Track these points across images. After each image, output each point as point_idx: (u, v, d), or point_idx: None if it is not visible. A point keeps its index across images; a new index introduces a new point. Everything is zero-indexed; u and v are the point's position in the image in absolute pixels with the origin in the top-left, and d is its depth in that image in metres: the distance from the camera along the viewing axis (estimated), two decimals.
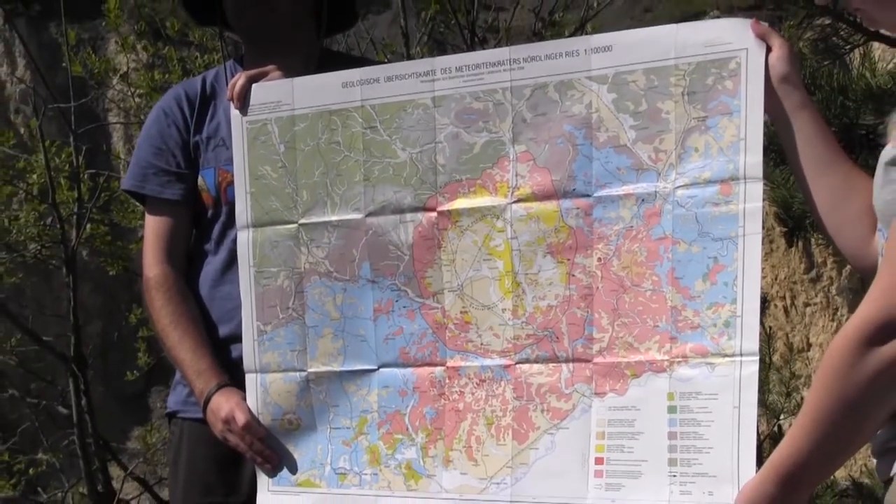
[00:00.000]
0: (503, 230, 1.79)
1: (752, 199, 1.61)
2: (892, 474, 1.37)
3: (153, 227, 2.16)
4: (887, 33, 2.25)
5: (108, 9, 6.03)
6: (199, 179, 2.15)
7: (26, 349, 5.88)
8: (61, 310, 6.41)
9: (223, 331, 2.10)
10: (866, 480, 2.95)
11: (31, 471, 6.32)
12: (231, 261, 2.08)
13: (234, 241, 2.04)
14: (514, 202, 1.78)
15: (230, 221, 2.07)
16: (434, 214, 1.83)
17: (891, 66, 2.37)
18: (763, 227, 1.63)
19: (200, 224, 2.16)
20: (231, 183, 2.04)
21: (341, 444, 1.90)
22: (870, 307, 1.32)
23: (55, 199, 5.53)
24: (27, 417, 6.37)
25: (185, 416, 2.16)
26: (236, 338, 2.02)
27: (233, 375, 2.01)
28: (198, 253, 2.17)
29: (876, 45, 2.36)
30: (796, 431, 1.39)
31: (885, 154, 1.42)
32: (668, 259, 1.66)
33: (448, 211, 1.82)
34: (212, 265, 2.14)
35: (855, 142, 2.17)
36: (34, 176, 5.67)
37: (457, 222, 1.82)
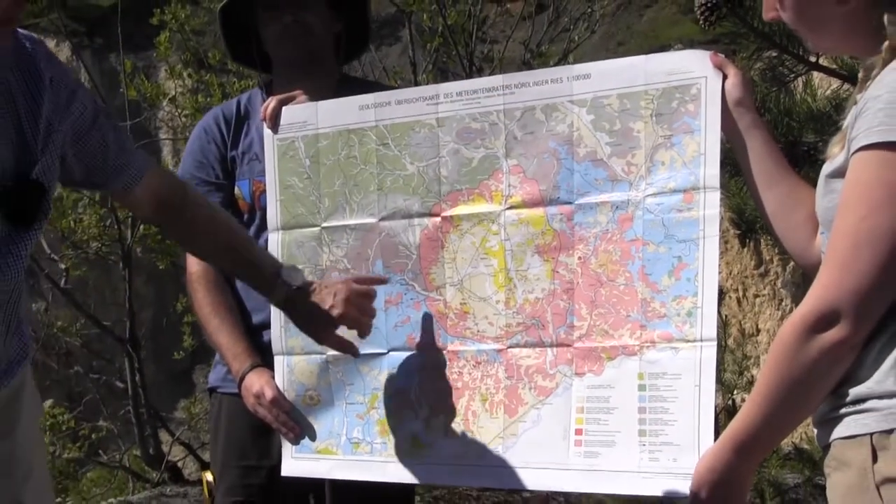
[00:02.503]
0: (497, 233, 1.77)
1: (710, 206, 1.60)
2: (829, 441, 1.36)
3: None
4: (825, 64, 2.25)
5: (159, 42, 6.04)
6: (236, 189, 2.14)
7: (89, 332, 5.87)
8: (119, 299, 6.40)
9: (256, 319, 2.08)
10: (806, 446, 2.94)
11: (93, 436, 6.32)
12: None
13: (266, 241, 2.03)
14: (507, 209, 1.77)
15: (263, 225, 2.06)
16: (438, 219, 1.82)
17: (829, 92, 2.37)
18: (720, 230, 1.62)
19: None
20: (264, 191, 2.03)
21: (355, 417, 1.89)
22: (813, 300, 1.31)
23: (114, 204, 5.52)
24: (90, 391, 6.38)
25: (223, 391, 2.16)
26: (267, 325, 2.01)
27: (264, 357, 2.00)
28: None
29: (816, 74, 2.35)
30: (749, 406, 1.38)
31: (825, 168, 1.41)
32: (639, 258, 1.65)
33: (450, 216, 1.81)
34: None
35: (798, 157, 2.16)
36: None
37: (457, 226, 1.81)
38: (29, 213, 1.44)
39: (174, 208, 1.76)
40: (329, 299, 1.77)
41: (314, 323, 1.80)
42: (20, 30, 1.48)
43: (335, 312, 1.77)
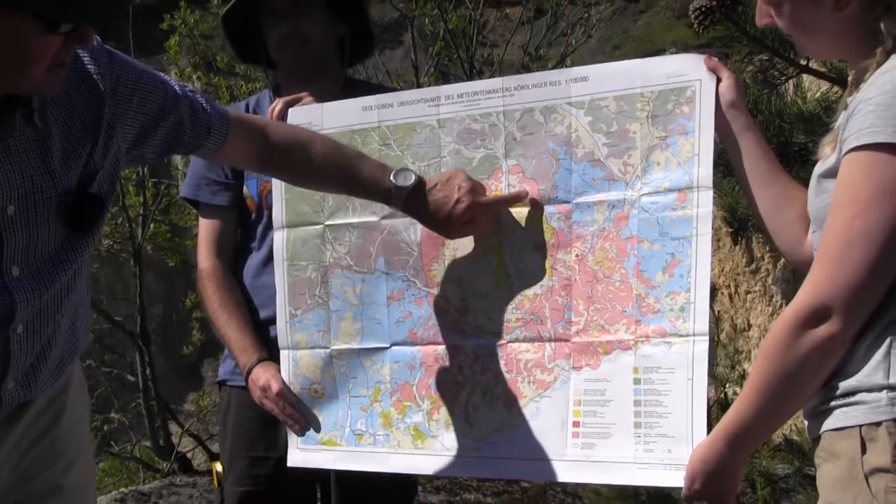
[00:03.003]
0: (498, 231, 1.77)
1: (703, 205, 1.60)
2: (820, 433, 1.36)
3: (205, 228, 2.15)
4: (815, 67, 2.24)
5: (169, 46, 6.05)
6: (244, 188, 2.14)
7: (101, 327, 5.87)
8: (130, 295, 6.41)
9: (263, 314, 2.08)
10: (796, 438, 2.93)
11: (105, 427, 6.33)
12: (271, 256, 2.06)
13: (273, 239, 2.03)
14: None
15: (270, 223, 2.06)
16: None
17: (818, 94, 2.36)
18: (712, 228, 1.61)
19: (245, 225, 2.15)
20: (271, 191, 2.02)
21: (359, 410, 1.89)
22: (804, 296, 1.31)
23: (125, 203, 5.53)
24: (102, 384, 6.38)
25: (232, 384, 2.16)
26: (274, 320, 2.00)
27: (271, 351, 2.00)
28: (242, 249, 2.16)
29: (806, 77, 2.35)
30: (742, 400, 1.38)
31: (818, 169, 1.41)
32: (634, 255, 1.64)
33: None
34: (254, 259, 2.13)
35: (789, 157, 2.15)
36: None
37: None
38: (87, 222, 1.47)
39: (274, 157, 1.72)
40: (455, 193, 1.70)
41: (442, 219, 1.72)
42: None
43: (462, 206, 1.70)
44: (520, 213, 1.75)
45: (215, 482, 2.15)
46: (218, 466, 2.15)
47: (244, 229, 2.16)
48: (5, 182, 1.38)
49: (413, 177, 1.73)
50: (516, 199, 1.74)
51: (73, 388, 1.61)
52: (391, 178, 1.72)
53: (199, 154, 1.70)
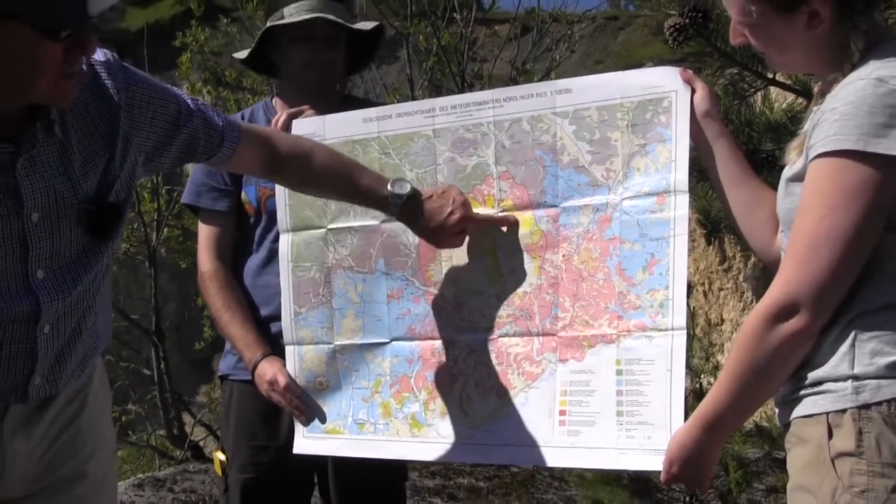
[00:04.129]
0: (490, 233, 1.76)
1: (680, 208, 1.59)
2: (790, 419, 1.36)
3: (206, 232, 2.13)
4: (782, 80, 2.25)
5: (181, 62, 6.04)
6: (243, 194, 2.12)
7: (119, 325, 5.85)
8: (145, 294, 6.39)
9: (263, 312, 2.07)
10: (766, 424, 2.94)
11: (123, 418, 6.31)
12: (269, 257, 2.06)
13: (273, 241, 2.02)
14: (499, 212, 1.76)
15: (268, 227, 2.05)
16: None
17: (784, 105, 2.37)
18: (688, 230, 1.61)
19: (243, 229, 2.13)
20: (269, 196, 2.02)
21: (360, 401, 1.88)
22: (775, 292, 1.31)
23: (140, 209, 5.52)
24: (120, 377, 6.36)
25: (234, 378, 2.14)
26: (274, 317, 1.99)
27: (272, 346, 1.99)
28: (241, 251, 2.13)
29: (773, 89, 2.35)
30: (717, 390, 1.38)
31: (785, 173, 1.41)
32: (616, 255, 1.64)
33: None
34: (253, 261, 2.11)
35: (759, 163, 2.15)
36: None
37: None
38: (106, 229, 1.47)
39: (279, 165, 1.72)
40: (448, 204, 1.71)
41: (434, 229, 1.72)
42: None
43: (455, 217, 1.71)
44: (511, 216, 1.75)
45: (218, 470, 2.13)
46: (221, 455, 2.13)
47: (243, 232, 2.13)
48: (30, 191, 1.38)
49: (409, 186, 1.73)
50: (505, 222, 1.74)
51: (96, 382, 1.61)
52: (388, 187, 1.72)
53: (211, 163, 1.69)
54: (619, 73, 1.70)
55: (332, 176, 1.74)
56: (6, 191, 1.36)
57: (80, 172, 1.43)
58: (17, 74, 1.27)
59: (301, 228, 1.94)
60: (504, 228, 1.75)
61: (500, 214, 1.76)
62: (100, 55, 1.47)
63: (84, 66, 1.37)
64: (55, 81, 1.29)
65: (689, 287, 1.66)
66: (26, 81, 1.28)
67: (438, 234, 1.74)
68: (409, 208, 1.72)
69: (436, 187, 1.77)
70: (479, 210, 1.77)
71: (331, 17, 2.05)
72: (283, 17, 2.09)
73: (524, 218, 1.74)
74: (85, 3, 1.23)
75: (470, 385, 1.77)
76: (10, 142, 1.35)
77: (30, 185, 1.38)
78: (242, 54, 2.26)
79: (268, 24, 2.12)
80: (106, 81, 1.45)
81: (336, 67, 2.14)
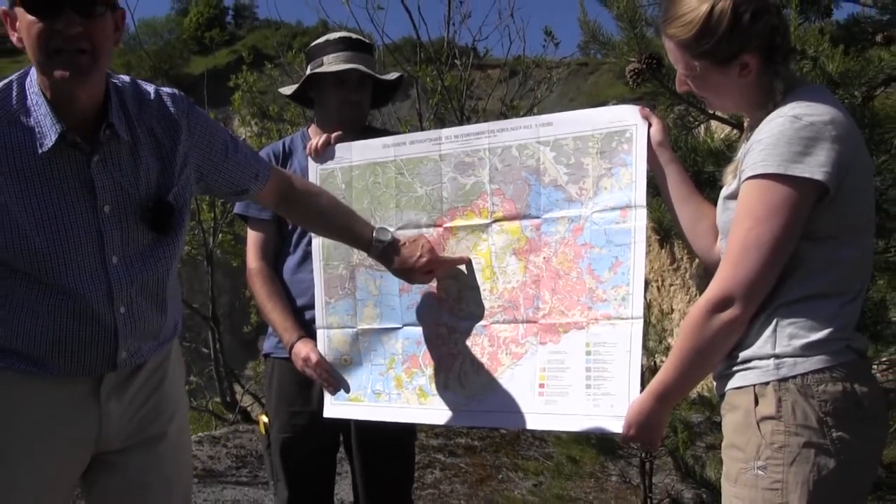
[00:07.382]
0: (486, 239, 1.77)
1: (639, 219, 1.60)
2: (724, 391, 1.36)
3: (253, 237, 2.14)
4: (720, 115, 2.26)
5: (234, 99, 6.05)
6: None
7: (182, 312, 5.84)
8: (203, 288, 6.39)
9: (299, 302, 2.06)
10: (707, 394, 2.93)
11: (186, 387, 6.28)
12: (304, 258, 2.06)
13: (307, 245, 2.03)
14: (493, 222, 1.76)
15: (304, 233, 2.05)
16: (441, 229, 1.82)
17: (723, 135, 2.37)
18: (646, 237, 1.61)
19: (283, 235, 2.13)
20: None
21: (378, 375, 1.88)
22: (713, 289, 1.31)
23: (200, 218, 5.51)
24: (184, 355, 6.35)
25: (275, 356, 2.14)
26: (308, 306, 2.00)
27: (306, 330, 1.99)
28: (282, 253, 2.13)
29: (714, 122, 2.36)
30: (667, 367, 1.38)
31: (723, 192, 1.42)
32: (587, 258, 1.64)
33: (450, 227, 1.81)
34: (291, 261, 2.11)
35: (702, 183, 2.15)
36: None
37: (455, 234, 1.80)
38: (163, 225, 1.46)
39: (291, 200, 1.73)
40: (417, 251, 1.74)
41: (406, 269, 1.75)
42: (163, 88, 1.51)
43: (423, 260, 1.74)
44: (502, 226, 1.76)
45: (262, 430, 2.14)
46: (265, 418, 2.14)
47: (283, 237, 2.13)
48: (102, 186, 1.39)
49: (389, 235, 1.76)
50: (460, 261, 1.77)
51: (173, 358, 1.62)
52: (373, 233, 1.75)
53: (245, 196, 1.68)
54: (590, 109, 1.70)
55: (331, 217, 1.76)
56: (83, 185, 1.38)
57: (144, 175, 1.44)
58: (32, 51, 1.31)
59: None
60: (497, 233, 1.75)
61: (457, 256, 1.77)
62: (168, 90, 1.50)
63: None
64: (49, 57, 1.31)
65: (646, 283, 1.66)
66: (36, 56, 1.32)
67: (409, 274, 1.77)
68: (387, 252, 1.75)
69: (408, 236, 1.79)
70: (475, 220, 1.78)
71: (363, 68, 2.07)
72: (322, 65, 2.10)
73: (512, 227, 1.74)
74: None
75: (467, 363, 1.78)
76: (87, 143, 1.38)
77: (101, 180, 1.39)
78: (288, 90, 2.26)
79: (311, 71, 2.12)
80: (171, 108, 1.48)
81: (364, 106, 2.15)
